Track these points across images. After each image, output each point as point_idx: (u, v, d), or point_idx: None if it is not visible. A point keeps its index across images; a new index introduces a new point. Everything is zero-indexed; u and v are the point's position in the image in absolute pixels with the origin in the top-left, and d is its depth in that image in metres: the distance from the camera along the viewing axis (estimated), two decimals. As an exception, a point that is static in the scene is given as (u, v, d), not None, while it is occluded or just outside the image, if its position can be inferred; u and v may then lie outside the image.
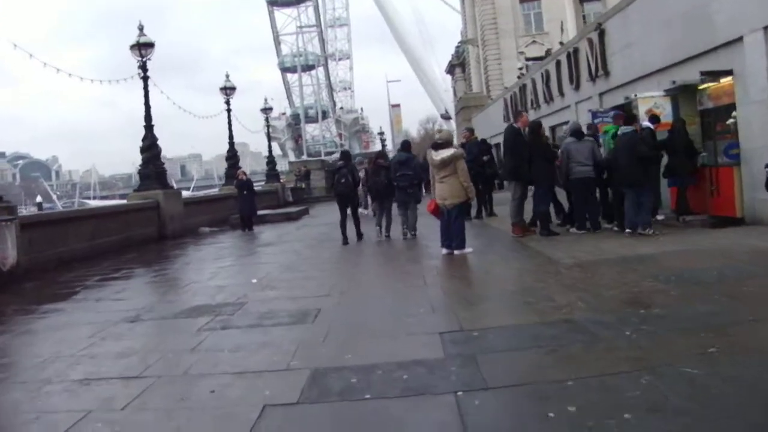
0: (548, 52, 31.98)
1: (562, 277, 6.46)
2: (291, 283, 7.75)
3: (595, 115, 12.81)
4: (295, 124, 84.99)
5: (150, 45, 16.98)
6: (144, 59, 16.89)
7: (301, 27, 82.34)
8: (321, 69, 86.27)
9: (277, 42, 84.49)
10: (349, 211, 11.60)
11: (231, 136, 25.33)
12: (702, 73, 9.94)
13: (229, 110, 25.11)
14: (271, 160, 33.34)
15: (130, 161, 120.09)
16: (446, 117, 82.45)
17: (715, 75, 9.87)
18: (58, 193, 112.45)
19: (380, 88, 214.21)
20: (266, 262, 10.23)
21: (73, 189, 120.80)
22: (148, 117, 17.16)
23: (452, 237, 8.65)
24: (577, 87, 16.71)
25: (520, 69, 28.02)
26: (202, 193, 38.02)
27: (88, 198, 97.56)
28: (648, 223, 8.97)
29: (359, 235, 11.49)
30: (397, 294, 6.66)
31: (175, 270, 10.36)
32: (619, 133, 9.48)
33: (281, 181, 33.46)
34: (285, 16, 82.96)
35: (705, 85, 10.66)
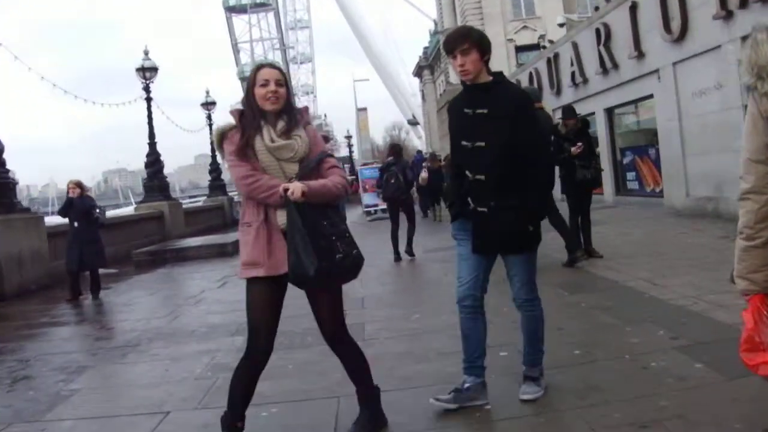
0: (542, 39, 26.22)
1: None
2: None
3: None
4: (255, 133, 78.18)
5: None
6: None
7: (260, 34, 76.01)
8: (283, 76, 79.86)
9: (236, 50, 78.44)
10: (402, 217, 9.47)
11: (152, 134, 18.36)
12: None
13: (149, 98, 18.24)
14: (215, 168, 26.19)
15: (91, 176, 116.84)
16: (413, 123, 76.95)
17: None
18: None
19: (343, 94, 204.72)
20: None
21: (31, 204, 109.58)
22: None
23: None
24: (682, 36, 10.41)
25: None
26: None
27: (46, 214, 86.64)
28: None
29: (409, 251, 9.25)
30: None
31: None
32: None
33: (228, 194, 26.43)
34: (244, 22, 76.54)
35: None
